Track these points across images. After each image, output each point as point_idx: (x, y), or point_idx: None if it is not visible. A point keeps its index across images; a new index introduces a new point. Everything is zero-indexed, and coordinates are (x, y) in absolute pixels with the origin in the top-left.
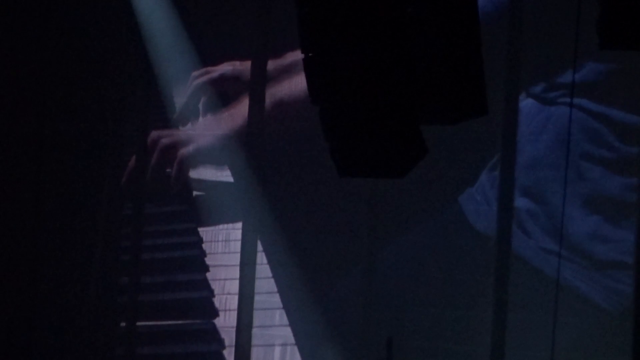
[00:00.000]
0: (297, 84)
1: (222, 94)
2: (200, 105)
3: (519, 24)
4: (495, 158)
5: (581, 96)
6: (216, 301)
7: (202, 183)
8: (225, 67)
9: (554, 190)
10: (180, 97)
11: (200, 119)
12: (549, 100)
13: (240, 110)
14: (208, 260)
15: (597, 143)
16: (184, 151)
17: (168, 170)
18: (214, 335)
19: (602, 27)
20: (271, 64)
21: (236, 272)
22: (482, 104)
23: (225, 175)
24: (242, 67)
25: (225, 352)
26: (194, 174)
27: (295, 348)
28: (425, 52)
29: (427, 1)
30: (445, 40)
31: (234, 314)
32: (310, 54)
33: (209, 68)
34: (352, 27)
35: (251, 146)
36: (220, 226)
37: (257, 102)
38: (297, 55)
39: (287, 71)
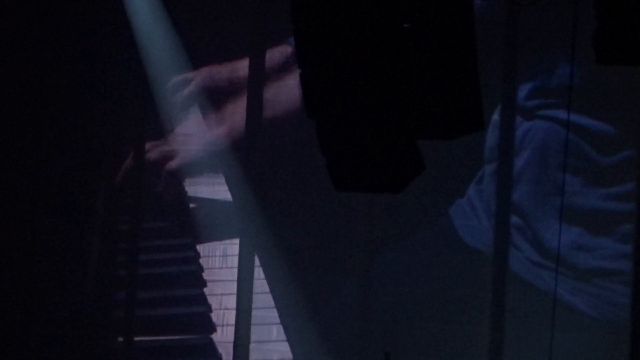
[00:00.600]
0: (282, 88)
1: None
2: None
3: (515, 40)
4: (481, 171)
5: (558, 99)
6: (214, 316)
7: (199, 201)
8: (204, 73)
9: (535, 204)
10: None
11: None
12: (527, 110)
13: (228, 115)
14: (205, 276)
15: (574, 155)
16: (170, 165)
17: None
18: (212, 350)
19: (599, 42)
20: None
21: (234, 287)
22: (478, 119)
23: (222, 191)
24: (221, 68)
25: None
26: (190, 191)
27: None
28: (422, 68)
29: (424, 17)
30: (441, 56)
31: (232, 329)
32: (307, 69)
33: (188, 74)
34: (348, 43)
35: (248, 156)
36: (218, 241)
37: (254, 115)
38: (279, 52)
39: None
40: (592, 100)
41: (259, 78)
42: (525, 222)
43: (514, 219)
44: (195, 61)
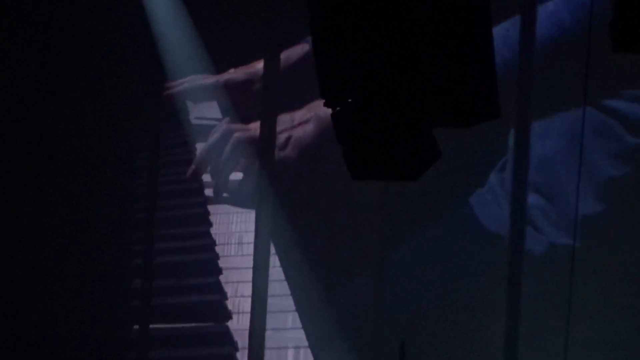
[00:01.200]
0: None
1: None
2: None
3: (532, 32)
4: (504, 159)
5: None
6: (229, 304)
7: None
8: (225, 76)
9: (566, 186)
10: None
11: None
12: None
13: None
14: (221, 263)
15: (606, 135)
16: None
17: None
18: (227, 338)
19: (616, 29)
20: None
21: (249, 275)
22: (495, 107)
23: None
24: (240, 72)
25: (239, 355)
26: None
27: (309, 351)
28: (437, 54)
29: (439, 5)
30: (457, 43)
31: (247, 317)
32: (323, 57)
33: (209, 75)
34: (364, 30)
35: (264, 154)
36: (233, 228)
37: (268, 113)
38: (298, 48)
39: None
40: (624, 83)
41: (275, 74)
42: (552, 204)
43: (538, 199)
44: (217, 63)
